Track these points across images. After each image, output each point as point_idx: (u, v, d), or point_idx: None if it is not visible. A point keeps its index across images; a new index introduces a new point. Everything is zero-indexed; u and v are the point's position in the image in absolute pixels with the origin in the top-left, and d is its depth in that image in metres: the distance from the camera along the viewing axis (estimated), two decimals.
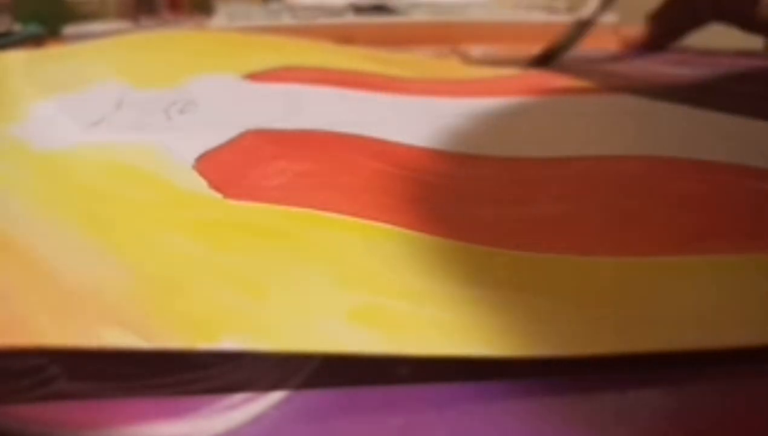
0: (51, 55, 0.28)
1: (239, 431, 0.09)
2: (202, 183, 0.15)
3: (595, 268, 0.12)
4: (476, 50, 0.36)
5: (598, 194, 0.15)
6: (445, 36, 0.39)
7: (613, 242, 0.13)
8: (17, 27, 0.37)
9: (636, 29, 0.34)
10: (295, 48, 0.30)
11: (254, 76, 0.24)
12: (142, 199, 0.14)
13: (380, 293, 0.11)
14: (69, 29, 0.40)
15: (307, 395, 0.09)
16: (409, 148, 0.17)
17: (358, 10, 0.45)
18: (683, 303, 0.11)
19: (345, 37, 0.38)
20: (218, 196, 0.14)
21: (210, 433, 0.09)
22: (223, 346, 0.09)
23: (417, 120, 0.20)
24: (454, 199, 0.15)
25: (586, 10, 0.31)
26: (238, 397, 0.09)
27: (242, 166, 0.16)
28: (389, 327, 0.10)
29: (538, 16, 0.43)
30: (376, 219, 0.13)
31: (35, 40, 0.35)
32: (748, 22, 0.31)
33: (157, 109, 0.20)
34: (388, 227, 0.13)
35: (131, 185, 0.15)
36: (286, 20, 0.42)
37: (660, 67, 0.30)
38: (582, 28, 0.31)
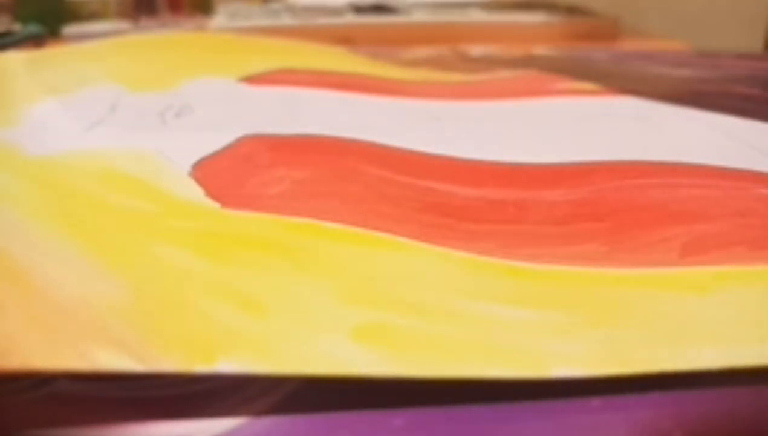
0: (45, 57, 0.28)
1: (240, 430, 0.09)
2: (198, 191, 0.14)
3: (608, 281, 0.11)
4: (476, 50, 0.36)
5: (606, 202, 0.15)
6: (445, 36, 0.39)
7: (625, 254, 0.12)
8: (17, 27, 0.37)
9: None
10: (291, 50, 0.29)
11: (251, 79, 0.24)
12: (137, 208, 0.14)
13: (387, 309, 0.10)
14: (69, 29, 0.40)
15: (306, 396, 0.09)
16: (411, 154, 0.17)
17: (358, 10, 0.45)
18: (699, 317, 0.10)
19: (345, 37, 0.38)
20: (215, 205, 0.14)
21: (210, 433, 0.09)
22: (220, 368, 0.09)
23: (417, 124, 0.20)
24: (460, 207, 0.15)
25: None
26: (238, 398, 0.09)
27: (240, 173, 0.16)
28: (397, 347, 0.09)
29: (538, 16, 0.43)
30: (380, 229, 0.13)
31: (35, 40, 0.35)
32: None
33: (153, 112, 0.20)
34: (393, 237, 0.13)
35: (125, 194, 0.14)
36: (286, 20, 0.42)
37: (661, 69, 0.30)
38: None
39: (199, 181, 0.15)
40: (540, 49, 0.34)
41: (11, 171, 0.15)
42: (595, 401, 0.09)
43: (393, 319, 0.10)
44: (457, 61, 0.32)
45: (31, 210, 0.13)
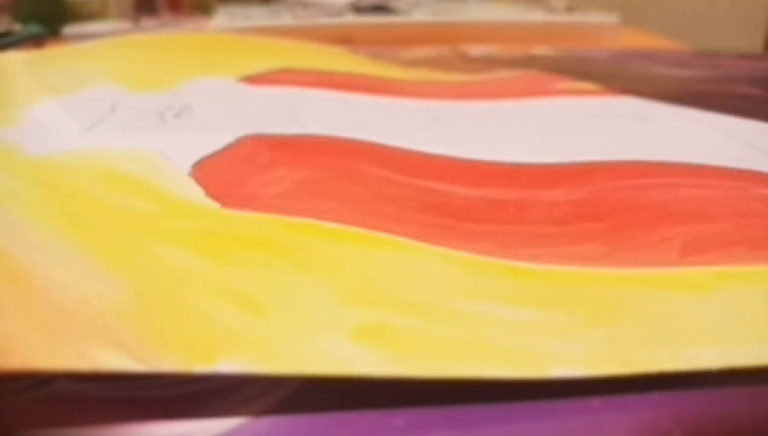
0: (45, 57, 0.28)
1: (240, 430, 0.09)
2: (198, 191, 0.14)
3: (608, 281, 0.11)
4: (476, 50, 0.36)
5: (606, 202, 0.15)
6: (445, 36, 0.39)
7: (625, 254, 0.12)
8: (17, 27, 0.37)
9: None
10: (291, 50, 0.29)
11: (251, 79, 0.24)
12: (137, 208, 0.14)
13: (387, 309, 0.10)
14: (69, 29, 0.40)
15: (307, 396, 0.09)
16: (411, 154, 0.17)
17: (358, 10, 0.45)
18: (699, 317, 0.10)
19: (345, 37, 0.38)
20: (215, 205, 0.14)
21: (210, 433, 0.09)
22: (220, 368, 0.09)
23: (417, 124, 0.20)
24: (460, 207, 0.15)
25: None
26: (238, 398, 0.09)
27: (240, 173, 0.16)
28: (397, 347, 0.09)
29: (538, 16, 0.43)
30: (380, 229, 0.13)
31: (35, 40, 0.35)
32: None
33: (153, 112, 0.20)
34: (393, 237, 0.13)
35: (126, 194, 0.14)
36: (286, 20, 0.42)
37: (661, 69, 0.30)
38: None
39: (199, 181, 0.15)
40: (540, 49, 0.34)
41: (11, 171, 0.15)
42: (595, 401, 0.09)
43: (393, 319, 0.10)
44: (457, 61, 0.32)
45: (31, 210, 0.13)
